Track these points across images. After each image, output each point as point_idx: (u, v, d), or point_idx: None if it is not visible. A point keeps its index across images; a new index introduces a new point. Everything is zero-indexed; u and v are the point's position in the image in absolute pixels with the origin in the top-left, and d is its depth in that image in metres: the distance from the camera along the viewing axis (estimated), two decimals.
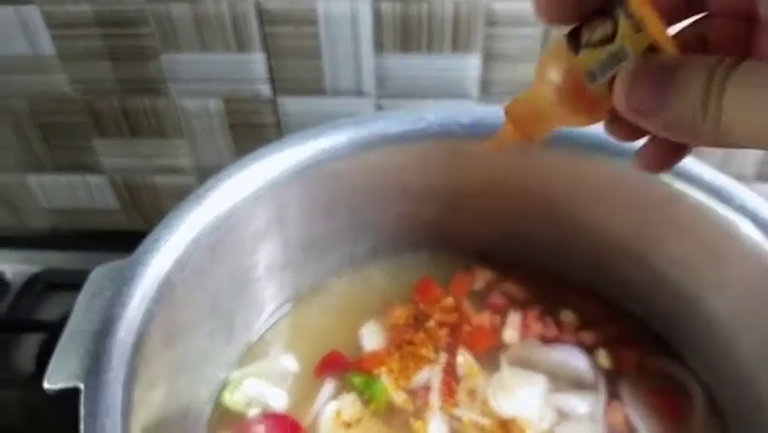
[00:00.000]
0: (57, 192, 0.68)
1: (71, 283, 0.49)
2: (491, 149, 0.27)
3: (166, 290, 0.41)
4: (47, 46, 0.56)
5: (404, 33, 0.54)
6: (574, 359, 0.49)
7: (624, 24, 0.21)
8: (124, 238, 0.45)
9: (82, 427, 0.35)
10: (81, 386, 0.36)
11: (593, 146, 0.46)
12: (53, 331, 0.57)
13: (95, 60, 0.57)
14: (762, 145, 0.18)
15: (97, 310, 0.40)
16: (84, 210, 0.70)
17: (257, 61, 0.56)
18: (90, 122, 0.61)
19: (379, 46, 0.55)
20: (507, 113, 0.26)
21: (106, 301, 0.40)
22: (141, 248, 0.42)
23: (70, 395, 0.37)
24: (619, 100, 0.21)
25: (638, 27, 0.21)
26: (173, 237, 0.42)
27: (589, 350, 0.50)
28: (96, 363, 0.37)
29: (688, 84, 0.19)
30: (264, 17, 0.53)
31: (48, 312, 0.64)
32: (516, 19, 0.53)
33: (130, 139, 0.63)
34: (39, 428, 0.56)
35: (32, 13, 0.54)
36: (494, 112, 0.33)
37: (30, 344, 0.60)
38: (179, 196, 0.44)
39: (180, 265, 0.42)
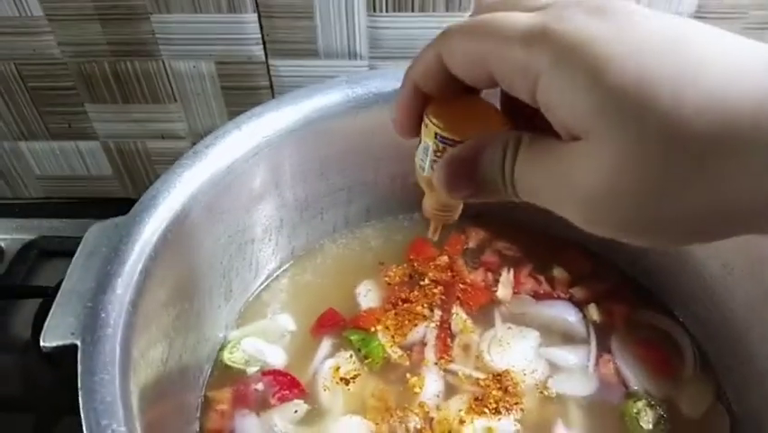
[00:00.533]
0: (49, 159, 0.68)
1: (65, 250, 0.49)
2: (434, 234, 0.33)
3: (163, 247, 0.41)
4: (34, 7, 0.55)
5: None
6: (566, 314, 0.50)
7: (422, 126, 0.28)
8: (117, 205, 0.45)
9: (79, 382, 0.34)
10: (78, 343, 0.36)
11: None
12: (48, 296, 0.57)
13: (84, 22, 0.56)
14: (547, 205, 0.23)
15: (94, 268, 0.39)
16: (77, 177, 0.69)
17: (249, 21, 0.55)
18: (81, 86, 0.61)
19: (372, 5, 0.54)
20: (426, 216, 0.32)
21: (103, 259, 0.39)
22: (137, 205, 0.41)
23: (67, 359, 0.36)
24: (446, 194, 0.26)
25: (426, 123, 0.27)
26: (170, 195, 0.42)
27: (581, 305, 0.51)
28: (93, 320, 0.37)
29: (487, 170, 0.24)
30: None
31: (42, 279, 0.64)
32: None
33: (122, 104, 0.62)
34: (35, 393, 0.57)
35: None
36: None
37: (25, 310, 0.60)
38: (173, 161, 0.44)
39: (178, 223, 0.42)
